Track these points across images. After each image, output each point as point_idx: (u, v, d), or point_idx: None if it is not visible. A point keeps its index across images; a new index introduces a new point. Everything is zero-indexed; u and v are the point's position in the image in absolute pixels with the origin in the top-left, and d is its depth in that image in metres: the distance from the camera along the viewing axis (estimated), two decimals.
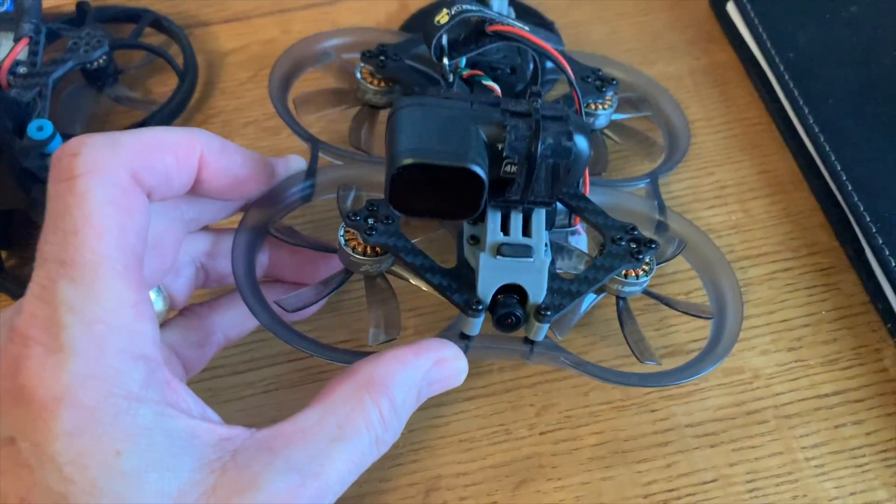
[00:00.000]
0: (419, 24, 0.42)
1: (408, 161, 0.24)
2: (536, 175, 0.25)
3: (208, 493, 0.22)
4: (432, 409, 0.31)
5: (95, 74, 0.38)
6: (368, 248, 0.28)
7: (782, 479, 0.29)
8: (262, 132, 0.39)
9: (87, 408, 0.21)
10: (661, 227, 0.32)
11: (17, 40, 0.36)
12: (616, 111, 0.35)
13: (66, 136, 0.34)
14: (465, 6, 0.30)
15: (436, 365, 0.26)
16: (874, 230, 0.32)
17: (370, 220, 0.27)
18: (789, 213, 0.36)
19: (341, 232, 0.28)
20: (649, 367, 0.29)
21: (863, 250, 0.33)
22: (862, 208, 0.33)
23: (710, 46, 0.42)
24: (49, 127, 0.33)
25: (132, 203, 0.23)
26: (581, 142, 0.26)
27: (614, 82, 0.35)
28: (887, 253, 0.32)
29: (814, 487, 0.29)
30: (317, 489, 0.23)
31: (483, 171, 0.24)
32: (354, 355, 0.27)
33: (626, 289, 0.29)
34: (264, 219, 0.30)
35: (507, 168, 0.25)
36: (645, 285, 0.29)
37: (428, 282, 0.27)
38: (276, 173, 0.29)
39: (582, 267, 0.30)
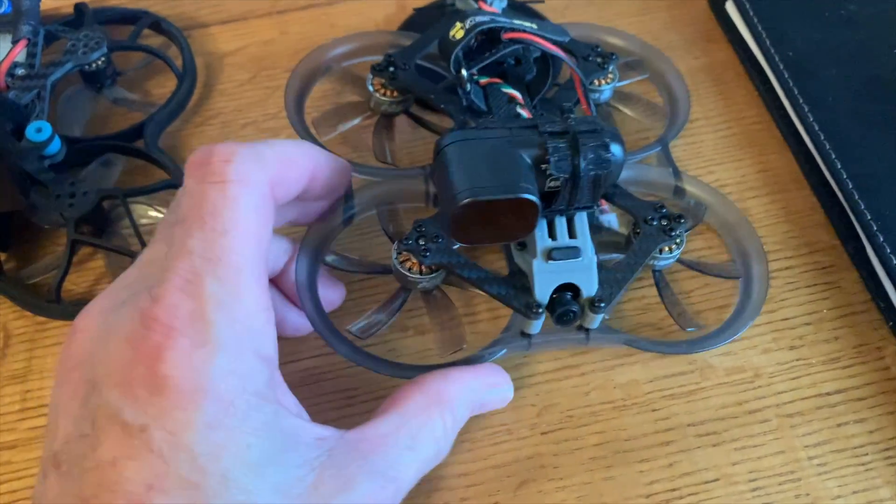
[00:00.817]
0: (417, 24, 0.42)
1: (467, 200, 0.26)
2: (580, 187, 0.28)
3: (310, 489, 0.23)
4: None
5: (94, 76, 0.38)
6: (423, 267, 0.29)
7: (785, 478, 0.29)
8: (261, 133, 0.39)
9: (225, 402, 0.22)
10: (678, 191, 0.34)
11: (15, 42, 0.36)
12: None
13: (65, 139, 0.34)
14: (478, 19, 0.32)
15: (489, 388, 0.29)
16: (875, 228, 0.32)
17: (421, 241, 0.29)
18: (789, 212, 0.36)
19: (395, 255, 0.29)
20: (688, 333, 0.31)
21: (863, 248, 0.33)
22: (862, 206, 0.33)
23: (710, 46, 0.42)
24: (48, 129, 0.33)
25: (269, 213, 0.25)
26: (617, 150, 0.28)
27: (613, 56, 0.36)
28: (888, 251, 0.32)
29: (816, 486, 0.29)
30: (393, 491, 0.25)
31: (536, 197, 0.26)
32: (420, 369, 0.29)
33: (662, 262, 0.32)
34: (318, 245, 0.31)
35: (552, 183, 0.28)
36: (678, 256, 0.32)
37: (486, 292, 0.29)
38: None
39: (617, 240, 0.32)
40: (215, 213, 0.24)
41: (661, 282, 0.32)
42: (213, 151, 0.24)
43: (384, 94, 0.35)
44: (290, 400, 0.25)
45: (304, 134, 0.35)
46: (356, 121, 0.36)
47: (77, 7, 0.40)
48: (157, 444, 0.21)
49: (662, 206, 0.31)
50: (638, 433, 0.30)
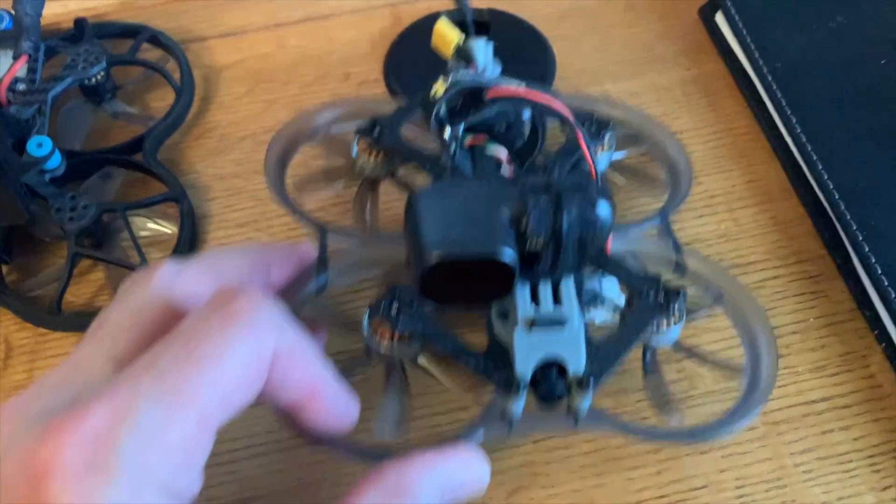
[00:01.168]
0: (411, 39, 0.43)
1: (437, 256, 0.24)
2: (564, 248, 0.25)
3: None
4: (427, 419, 0.31)
5: (94, 90, 0.39)
6: (396, 335, 0.27)
7: (771, 485, 0.30)
8: (258, 146, 0.39)
9: None
10: (678, 268, 0.31)
11: (16, 57, 0.37)
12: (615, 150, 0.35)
13: (65, 152, 0.35)
14: (459, 77, 0.30)
15: (460, 471, 0.26)
16: (861, 238, 0.33)
17: (395, 305, 0.27)
18: (778, 222, 0.36)
19: (365, 321, 0.28)
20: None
21: (850, 258, 0.34)
22: (849, 216, 0.34)
23: (700, 57, 0.42)
24: (48, 143, 0.34)
25: (255, 380, 0.23)
26: (604, 209, 0.26)
27: (610, 124, 0.34)
28: (873, 260, 0.32)
29: (802, 493, 0.29)
30: None
31: (511, 257, 0.24)
32: (377, 452, 0.26)
33: (655, 340, 0.29)
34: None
35: (534, 243, 0.25)
36: (676, 336, 0.29)
37: (464, 364, 0.27)
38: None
39: (614, 315, 0.29)
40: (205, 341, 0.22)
41: (650, 362, 0.30)
42: (242, 295, 0.23)
43: (369, 156, 0.33)
44: None
45: (283, 199, 0.33)
46: (338, 186, 0.35)
47: (77, 22, 0.41)
48: None
49: (659, 279, 0.28)
50: (628, 441, 0.31)
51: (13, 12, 0.38)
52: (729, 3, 0.41)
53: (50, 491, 0.19)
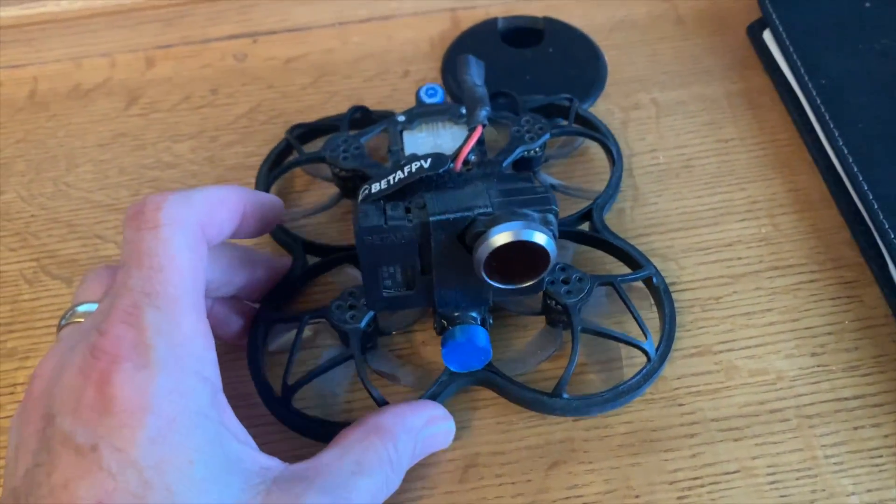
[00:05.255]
0: (469, 42, 0.45)
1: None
2: None
3: None
4: (472, 393, 0.33)
5: (525, 163, 0.37)
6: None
7: (802, 474, 0.31)
8: None
9: (168, 418, 0.24)
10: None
11: (472, 129, 0.34)
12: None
13: None
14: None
15: (429, 423, 0.30)
16: None
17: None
18: (816, 229, 0.37)
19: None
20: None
21: (886, 266, 0.35)
22: (887, 226, 0.35)
23: (746, 72, 0.44)
24: None
25: (202, 250, 0.27)
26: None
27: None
28: None
29: (832, 483, 0.30)
30: None
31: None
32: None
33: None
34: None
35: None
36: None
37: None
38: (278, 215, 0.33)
39: None
40: (151, 253, 0.26)
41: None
42: (145, 202, 0.27)
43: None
44: (236, 425, 0.26)
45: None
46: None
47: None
48: (106, 462, 0.23)
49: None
50: (664, 425, 0.32)
51: (440, 81, 0.40)
52: (777, 23, 0.43)
53: (114, 388, 0.24)
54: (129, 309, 0.25)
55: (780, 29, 0.43)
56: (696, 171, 0.40)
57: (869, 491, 0.30)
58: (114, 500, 0.22)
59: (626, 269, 0.35)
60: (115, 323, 0.25)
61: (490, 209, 0.28)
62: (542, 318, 0.34)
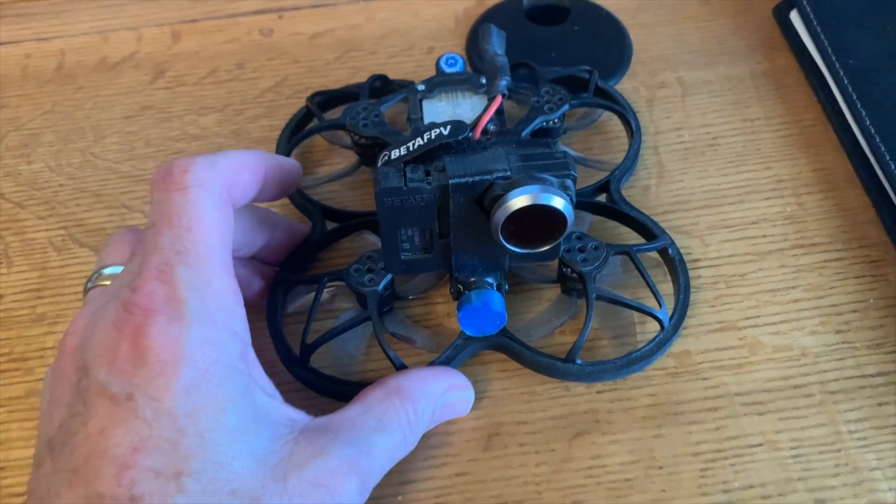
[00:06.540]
0: (494, 18, 0.45)
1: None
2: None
3: (286, 458, 0.25)
4: (498, 364, 0.33)
5: (544, 133, 0.38)
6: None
7: (826, 448, 0.31)
8: None
9: (201, 368, 0.24)
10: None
11: (491, 98, 0.35)
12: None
13: None
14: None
15: (449, 390, 0.31)
16: None
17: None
18: (842, 209, 0.37)
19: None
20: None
21: None
22: None
23: (772, 52, 0.44)
24: None
25: (228, 211, 0.28)
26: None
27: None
28: None
29: (855, 457, 0.30)
30: (368, 465, 0.27)
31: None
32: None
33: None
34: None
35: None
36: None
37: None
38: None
39: None
40: (180, 213, 0.26)
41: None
42: (173, 165, 0.27)
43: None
44: (264, 380, 0.27)
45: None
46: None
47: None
48: (141, 410, 0.23)
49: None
50: (688, 398, 0.32)
51: (463, 56, 0.40)
52: (805, 3, 0.43)
53: (149, 340, 0.24)
54: (160, 266, 0.25)
55: (808, 10, 0.42)
56: (721, 149, 0.40)
57: (892, 466, 0.30)
58: (149, 446, 0.23)
59: (641, 241, 0.35)
60: (148, 279, 0.25)
61: (509, 173, 0.28)
62: (557, 288, 0.34)
